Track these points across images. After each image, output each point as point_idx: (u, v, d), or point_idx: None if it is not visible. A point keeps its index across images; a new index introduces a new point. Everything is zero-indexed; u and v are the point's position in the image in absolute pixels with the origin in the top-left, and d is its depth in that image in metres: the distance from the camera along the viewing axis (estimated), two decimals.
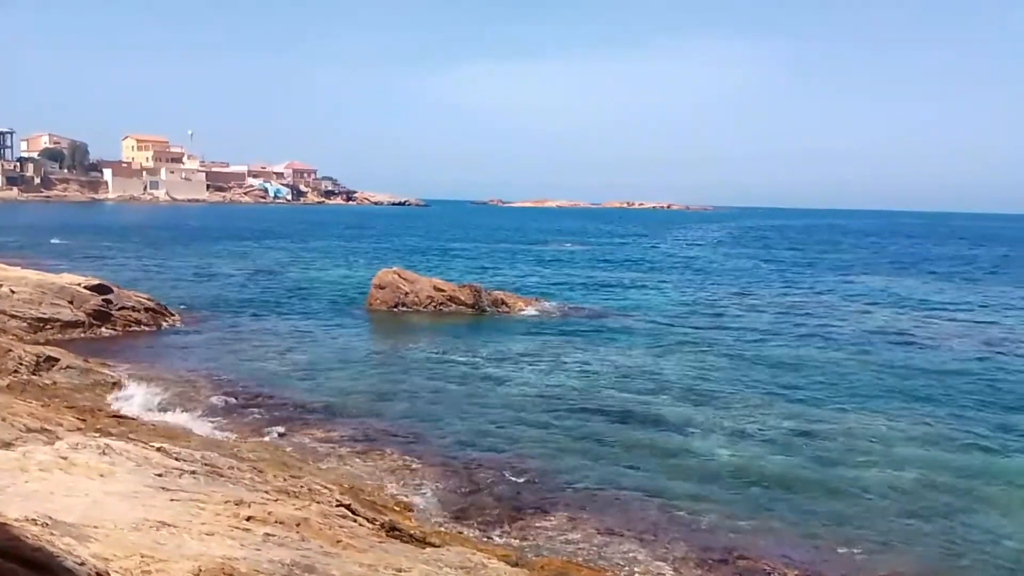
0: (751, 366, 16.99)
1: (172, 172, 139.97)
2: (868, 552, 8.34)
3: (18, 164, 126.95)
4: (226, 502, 5.96)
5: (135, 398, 12.47)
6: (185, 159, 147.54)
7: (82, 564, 3.97)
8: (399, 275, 24.85)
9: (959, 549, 8.50)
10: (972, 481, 10.37)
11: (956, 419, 13.14)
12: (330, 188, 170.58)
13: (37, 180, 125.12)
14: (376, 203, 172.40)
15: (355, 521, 6.58)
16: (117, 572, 4.23)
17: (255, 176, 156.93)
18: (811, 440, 11.89)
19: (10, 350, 12.92)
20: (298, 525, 5.81)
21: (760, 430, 12.30)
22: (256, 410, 12.56)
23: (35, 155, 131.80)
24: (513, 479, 9.98)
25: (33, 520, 4.47)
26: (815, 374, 16.32)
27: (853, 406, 13.81)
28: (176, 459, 7.08)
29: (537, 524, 8.72)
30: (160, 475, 6.36)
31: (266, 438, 11.07)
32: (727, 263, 46.13)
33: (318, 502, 6.72)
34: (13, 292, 17.73)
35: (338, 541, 5.73)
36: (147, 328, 19.16)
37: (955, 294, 31.73)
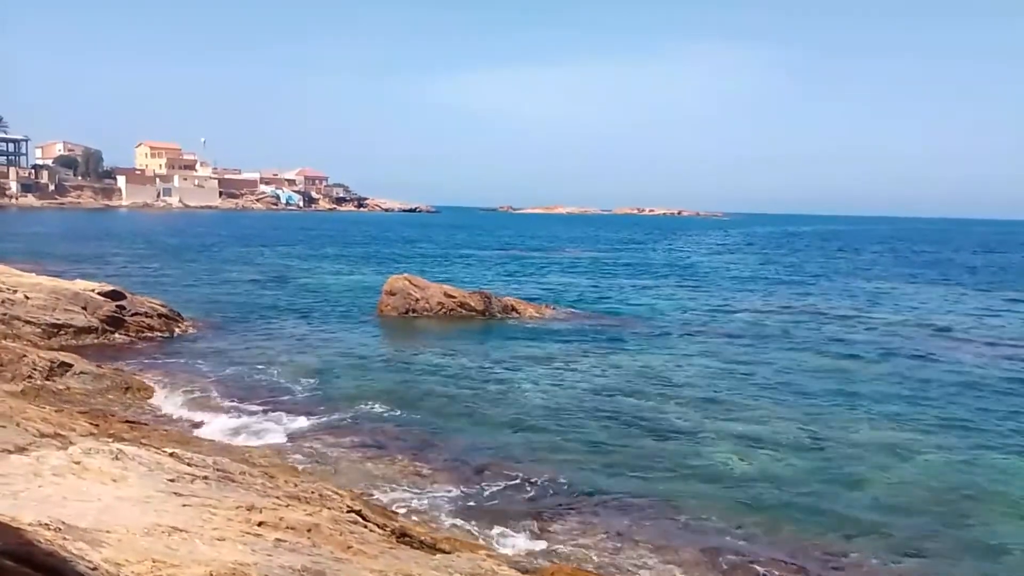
0: (762, 372, 16.90)
1: (185, 179, 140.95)
2: (879, 560, 8.27)
3: (33, 171, 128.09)
4: (238, 507, 5.97)
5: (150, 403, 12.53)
6: (198, 166, 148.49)
7: (94, 569, 3.99)
8: (409, 281, 24.89)
9: (970, 558, 8.42)
10: (984, 490, 10.27)
11: (969, 428, 13.02)
12: (341, 195, 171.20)
13: (52, 187, 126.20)
14: (387, 210, 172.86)
15: (366, 527, 6.58)
16: None
17: (267, 183, 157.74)
18: (823, 447, 11.81)
19: (24, 355, 13.02)
20: (309, 531, 5.81)
21: (771, 436, 12.23)
22: (267, 415, 12.59)
23: (50, 162, 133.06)
24: (523, 485, 9.96)
25: (46, 525, 4.50)
26: (827, 381, 16.21)
27: (865, 413, 13.71)
28: (188, 464, 7.10)
29: (547, 530, 8.70)
30: (172, 480, 6.38)
31: (277, 443, 11.10)
32: (739, 269, 45.96)
33: (329, 508, 6.73)
34: (28, 298, 17.86)
35: (349, 547, 5.73)
36: (160, 334, 19.26)
37: (972, 302, 31.46)
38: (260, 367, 16.05)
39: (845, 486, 10.27)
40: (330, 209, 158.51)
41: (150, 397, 13.11)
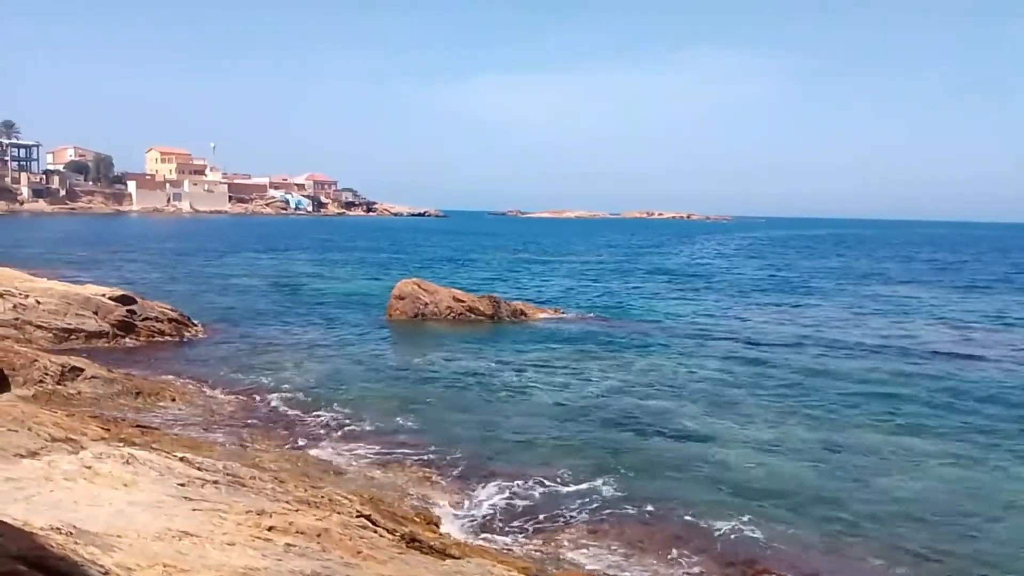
0: (773, 377, 16.82)
1: (195, 184, 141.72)
2: (892, 567, 8.21)
3: (44, 176, 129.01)
4: (248, 512, 5.97)
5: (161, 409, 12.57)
6: (208, 171, 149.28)
7: (106, 573, 4.00)
8: (419, 285, 24.94)
9: (983, 565, 8.34)
10: (998, 497, 10.19)
11: (984, 434, 12.91)
12: (350, 200, 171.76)
13: (63, 192, 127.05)
14: (396, 214, 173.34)
15: (375, 532, 6.58)
16: None
17: (276, 188, 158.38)
18: (834, 452, 11.74)
19: (36, 360, 13.09)
20: (319, 535, 5.81)
21: (783, 442, 12.17)
22: (278, 420, 12.62)
23: (61, 168, 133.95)
24: (533, 490, 9.93)
25: (58, 529, 4.51)
26: (838, 386, 16.12)
27: (878, 419, 13.62)
28: (199, 469, 7.11)
29: (557, 536, 8.67)
30: (183, 485, 6.39)
31: (287, 448, 11.11)
32: (747, 273, 45.80)
33: (339, 513, 6.72)
34: (39, 303, 17.97)
35: (358, 552, 5.72)
36: (170, 339, 19.34)
37: (988, 306, 31.25)
38: (270, 372, 16.09)
39: (859, 491, 10.19)
40: (339, 214, 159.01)
41: (161, 401, 13.15)
